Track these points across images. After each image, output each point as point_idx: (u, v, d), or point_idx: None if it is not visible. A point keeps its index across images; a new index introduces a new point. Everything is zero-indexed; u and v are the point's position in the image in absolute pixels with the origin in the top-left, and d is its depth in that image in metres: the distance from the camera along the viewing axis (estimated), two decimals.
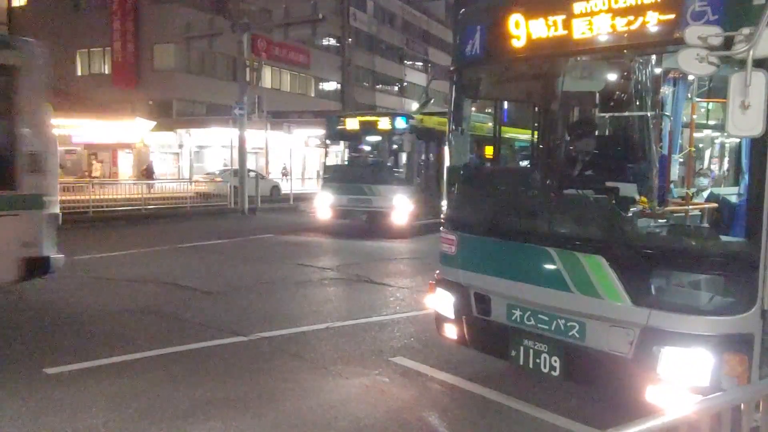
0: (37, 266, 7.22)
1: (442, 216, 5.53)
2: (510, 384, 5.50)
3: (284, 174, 36.32)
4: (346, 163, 19.05)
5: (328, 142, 18.42)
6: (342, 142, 18.85)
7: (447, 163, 5.77)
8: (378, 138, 17.40)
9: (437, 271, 5.46)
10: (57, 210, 7.55)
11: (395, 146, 16.87)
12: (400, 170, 16.71)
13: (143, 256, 13.01)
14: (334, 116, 18.76)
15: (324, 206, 17.16)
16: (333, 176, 17.65)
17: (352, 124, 17.15)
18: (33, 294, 8.78)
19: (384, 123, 16.43)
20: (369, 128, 16.89)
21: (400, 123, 16.04)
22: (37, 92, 7.35)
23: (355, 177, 16.95)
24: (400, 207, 15.93)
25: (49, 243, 7.22)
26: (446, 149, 16.55)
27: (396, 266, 12.43)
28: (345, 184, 16.89)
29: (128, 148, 37.98)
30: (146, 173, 32.62)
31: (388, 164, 17.29)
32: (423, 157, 16.94)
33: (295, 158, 36.90)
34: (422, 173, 16.80)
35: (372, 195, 16.30)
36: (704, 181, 5.90)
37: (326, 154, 18.72)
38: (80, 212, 19.81)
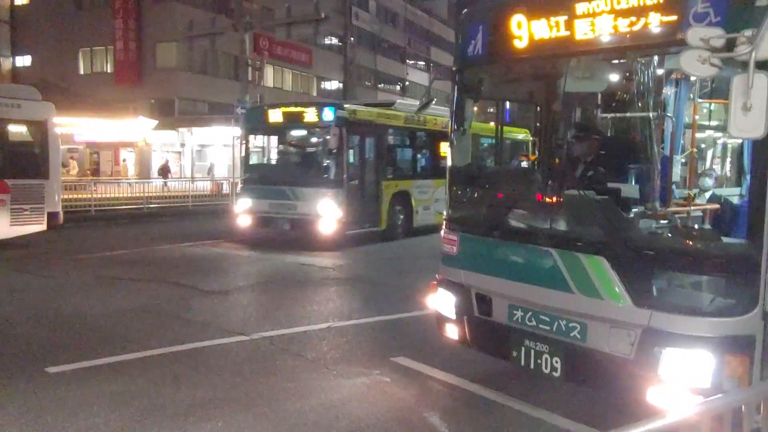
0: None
1: (445, 217, 5.51)
2: (511, 384, 5.50)
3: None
4: (268, 162, 16.98)
5: (248, 137, 15.74)
6: (265, 138, 16.57)
7: (449, 163, 5.75)
8: (303, 132, 15.25)
9: (438, 272, 5.46)
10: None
11: (323, 142, 14.10)
12: (329, 171, 14.01)
13: (145, 255, 13.03)
14: (256, 107, 17.07)
15: (243, 212, 14.75)
16: (253, 177, 15.17)
17: (274, 116, 14.88)
18: (35, 293, 8.80)
19: (309, 115, 14.14)
20: (292, 121, 14.61)
21: (328, 114, 13.78)
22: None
23: (278, 179, 14.60)
24: (328, 214, 13.59)
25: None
26: (387, 146, 15.10)
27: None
28: (266, 187, 14.54)
29: (130, 147, 37.99)
30: (162, 172, 32.70)
31: (315, 164, 14.61)
32: (357, 155, 14.78)
33: None
34: (356, 174, 14.54)
35: (296, 200, 13.94)
36: (708, 182, 5.90)
37: (245, 152, 15.84)
38: (82, 211, 19.87)
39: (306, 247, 13.90)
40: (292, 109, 14.77)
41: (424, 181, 16.47)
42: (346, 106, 14.37)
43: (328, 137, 13.63)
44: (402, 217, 15.78)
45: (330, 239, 13.94)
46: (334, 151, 13.73)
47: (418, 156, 17.42)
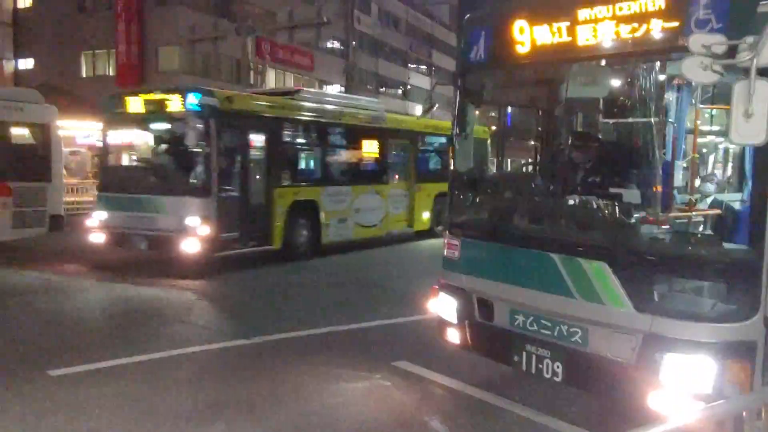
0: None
1: (447, 221, 5.51)
2: (512, 389, 5.50)
3: None
4: (128, 164, 13.76)
5: (106, 132, 12.62)
6: (124, 133, 12.97)
7: (451, 167, 5.76)
8: (165, 126, 11.80)
9: (440, 276, 5.47)
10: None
11: (189, 138, 10.67)
12: (195, 175, 10.91)
13: (145, 258, 13.02)
14: (114, 94, 13.06)
15: (96, 227, 11.69)
16: (108, 183, 12.13)
17: (133, 105, 11.73)
18: (36, 295, 8.81)
19: (172, 103, 11.02)
20: (154, 111, 11.38)
21: (191, 102, 10.75)
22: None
23: (135, 185, 11.50)
24: (193, 229, 10.51)
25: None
26: (283, 144, 12.76)
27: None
28: (120, 196, 11.57)
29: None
30: None
31: (179, 166, 11.27)
32: (236, 155, 11.57)
33: None
34: (233, 179, 11.44)
35: (155, 212, 10.96)
36: (709, 188, 5.90)
37: (103, 152, 13.05)
38: (84, 214, 19.85)
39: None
40: (153, 96, 11.52)
41: (338, 188, 13.71)
42: (217, 91, 11.57)
43: (196, 132, 10.55)
44: (306, 232, 12.81)
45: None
46: (201, 149, 10.71)
47: (331, 157, 14.22)
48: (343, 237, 13.86)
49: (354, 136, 14.56)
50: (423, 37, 68.32)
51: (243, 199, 11.61)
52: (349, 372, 6.02)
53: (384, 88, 61.72)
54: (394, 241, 15.90)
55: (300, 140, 13.66)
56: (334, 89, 53.78)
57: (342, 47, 52.84)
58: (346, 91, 52.57)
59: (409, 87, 65.14)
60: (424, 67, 69.19)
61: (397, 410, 5.22)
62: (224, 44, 26.12)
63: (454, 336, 5.28)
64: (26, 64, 44.59)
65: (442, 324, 5.38)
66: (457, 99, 5.51)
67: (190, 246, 10.57)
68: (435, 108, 22.13)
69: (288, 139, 13.10)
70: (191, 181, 10.95)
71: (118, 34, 40.09)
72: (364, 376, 5.91)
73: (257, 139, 12.14)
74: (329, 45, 51.53)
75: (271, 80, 41.99)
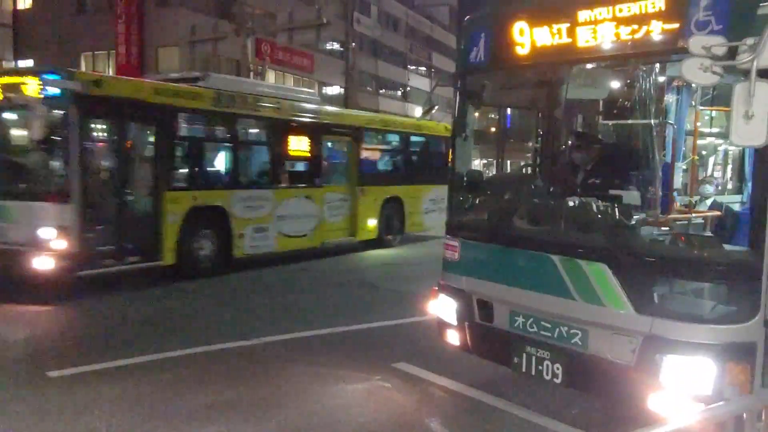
0: None
1: (447, 223, 5.50)
2: (512, 391, 5.50)
3: None
4: None
5: None
6: None
7: (450, 169, 5.77)
8: (14, 116, 9.62)
9: (440, 277, 5.46)
10: None
11: (40, 130, 8.53)
12: (51, 175, 9.08)
13: None
14: None
15: None
16: None
17: None
18: (35, 297, 8.79)
19: (26, 88, 8.77)
20: (6, 98, 9.09)
21: (50, 86, 8.68)
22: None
23: None
24: (46, 242, 8.63)
25: None
26: (179, 139, 10.58)
27: None
28: None
29: None
30: None
31: (32, 164, 9.27)
32: (107, 151, 9.75)
33: None
34: (104, 181, 9.61)
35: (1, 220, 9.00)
36: (708, 189, 5.91)
37: None
38: None
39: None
40: (5, 79, 9.46)
41: (256, 192, 11.76)
42: (80, 73, 10.17)
43: (41, 121, 8.44)
44: (211, 244, 10.88)
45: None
46: (59, 143, 8.81)
47: (246, 156, 12.18)
48: (264, 249, 11.90)
49: (277, 131, 12.36)
50: (423, 38, 68.36)
51: (120, 205, 9.60)
52: (349, 373, 6.01)
53: (384, 90, 61.75)
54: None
55: (202, 135, 11.47)
56: (334, 90, 53.87)
57: (342, 49, 52.85)
58: (346, 93, 52.66)
59: (408, 89, 65.14)
60: (424, 68, 69.22)
61: (397, 412, 5.22)
62: (224, 45, 26.11)
63: (453, 337, 5.27)
64: (26, 65, 44.58)
65: (442, 325, 5.38)
66: (457, 100, 5.51)
67: (42, 263, 8.60)
68: (435, 110, 22.00)
69: (185, 133, 10.98)
70: (45, 182, 8.99)
71: (118, 35, 40.08)
72: (364, 377, 5.91)
73: (141, 133, 10.26)
74: (329, 46, 51.57)
75: (271, 81, 42.02)
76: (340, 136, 14.26)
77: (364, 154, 14.93)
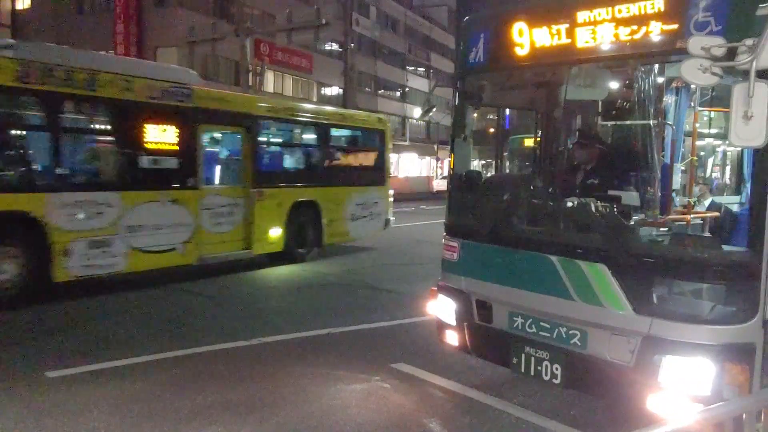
0: None
1: (446, 223, 5.50)
2: (511, 391, 5.51)
3: None
4: None
5: None
6: None
7: (450, 169, 5.77)
8: None
9: (439, 278, 5.47)
10: None
11: None
12: None
13: None
14: None
15: None
16: None
17: None
18: (34, 297, 8.78)
19: None
20: None
21: None
22: None
23: None
24: None
25: None
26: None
27: None
28: None
29: None
30: None
31: None
32: None
33: None
34: None
35: None
36: (707, 190, 5.92)
37: None
38: None
39: None
40: None
41: (89, 195, 9.11)
42: None
43: None
44: (10, 266, 8.40)
45: None
46: None
47: (72, 148, 9.43)
48: (107, 269, 9.33)
49: (127, 117, 9.72)
50: (421, 39, 68.40)
51: None
52: (347, 374, 6.01)
53: (382, 91, 61.78)
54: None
55: None
56: (333, 91, 53.89)
57: (340, 49, 52.87)
58: (344, 94, 52.60)
59: (407, 89, 65.17)
60: (423, 69, 69.25)
61: (396, 412, 5.22)
62: (223, 46, 26.11)
63: (452, 338, 5.28)
64: None
65: (441, 326, 5.39)
66: (456, 101, 5.51)
67: None
68: (434, 110, 21.92)
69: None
70: None
71: (116, 36, 40.11)
72: (363, 378, 5.91)
73: None
74: (328, 47, 51.60)
75: (270, 82, 42.05)
76: (227, 126, 11.59)
77: (264, 149, 12.42)
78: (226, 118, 11.31)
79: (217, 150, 11.90)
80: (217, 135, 11.85)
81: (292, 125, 13.28)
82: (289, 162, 13.32)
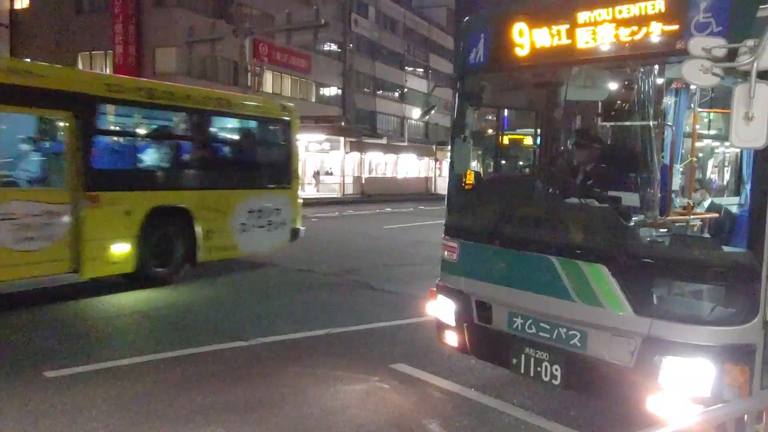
0: None
1: (445, 224, 5.50)
2: (510, 392, 5.50)
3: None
4: None
5: None
6: None
7: (449, 170, 5.76)
8: None
9: (438, 278, 5.46)
10: None
11: None
12: None
13: None
14: None
15: None
16: None
17: None
18: (32, 297, 8.77)
19: None
20: None
21: None
22: None
23: None
24: None
25: None
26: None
27: None
28: None
29: None
30: None
31: None
32: None
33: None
34: None
35: None
36: (707, 191, 5.92)
37: None
38: None
39: None
40: None
41: None
42: None
43: None
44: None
45: None
46: None
47: None
48: None
49: None
50: (420, 40, 68.45)
51: None
52: (347, 374, 6.01)
53: (381, 91, 61.80)
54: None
55: None
56: (332, 91, 53.87)
57: (339, 50, 52.88)
58: (343, 94, 52.53)
59: (406, 90, 65.21)
60: (422, 70, 69.29)
61: (396, 413, 5.21)
62: (222, 46, 26.11)
63: (452, 339, 5.27)
64: None
65: (441, 326, 5.38)
66: (456, 102, 5.51)
67: None
68: (433, 111, 21.89)
69: None
70: None
71: (115, 36, 40.09)
72: (362, 378, 5.91)
73: None
74: (327, 48, 51.60)
75: (269, 82, 42.05)
76: (43, 109, 8.66)
77: (104, 141, 9.63)
78: (40, 97, 8.32)
79: (19, 140, 8.79)
80: (28, 121, 8.78)
81: (151, 110, 10.18)
82: (145, 158, 10.29)
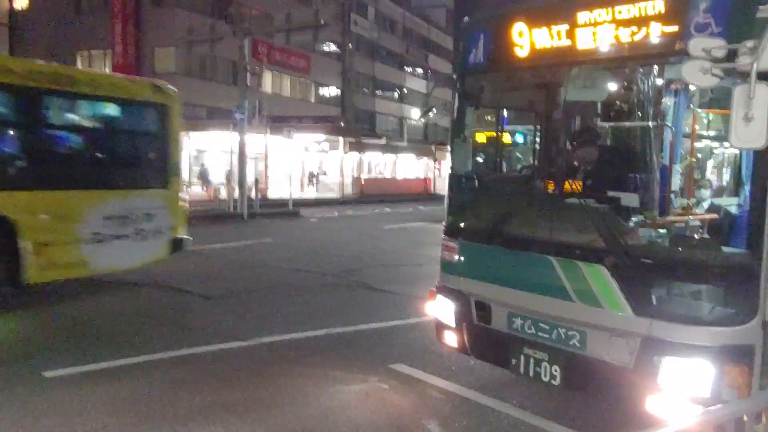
0: None
1: (445, 224, 5.50)
2: (510, 392, 5.50)
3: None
4: None
5: None
6: None
7: (449, 170, 5.76)
8: None
9: (438, 279, 5.46)
10: None
11: None
12: None
13: None
14: None
15: None
16: None
17: None
18: (31, 297, 8.76)
19: None
20: None
21: None
22: None
23: None
24: None
25: None
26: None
27: None
28: None
29: None
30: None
31: None
32: None
33: (295, 163, 36.86)
34: None
35: None
36: (704, 193, 5.92)
37: None
38: None
39: None
40: None
41: None
42: None
43: None
44: None
45: None
46: None
47: None
48: None
49: None
50: (419, 40, 68.44)
51: None
52: (346, 375, 6.01)
53: (380, 91, 61.80)
54: None
55: None
56: (331, 92, 53.86)
57: (339, 50, 52.88)
58: (342, 94, 52.51)
59: (405, 90, 65.21)
60: (421, 70, 69.29)
61: (394, 413, 5.21)
62: (221, 46, 26.12)
63: (451, 339, 5.27)
64: None
65: (440, 327, 5.38)
66: (456, 102, 5.51)
67: None
68: (433, 111, 21.82)
69: None
70: None
71: (114, 35, 40.08)
72: (361, 378, 5.90)
73: None
74: (326, 48, 51.60)
75: (268, 82, 42.05)
76: None
77: None
78: None
79: None
80: None
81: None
82: None
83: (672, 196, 5.11)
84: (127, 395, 5.39)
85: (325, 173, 42.97)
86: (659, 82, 4.84)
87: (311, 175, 41.67)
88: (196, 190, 28.72)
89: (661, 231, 4.52)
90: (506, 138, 7.28)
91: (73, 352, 6.56)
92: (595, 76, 5.19)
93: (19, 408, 5.05)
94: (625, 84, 5.12)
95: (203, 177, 33.63)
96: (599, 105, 5.98)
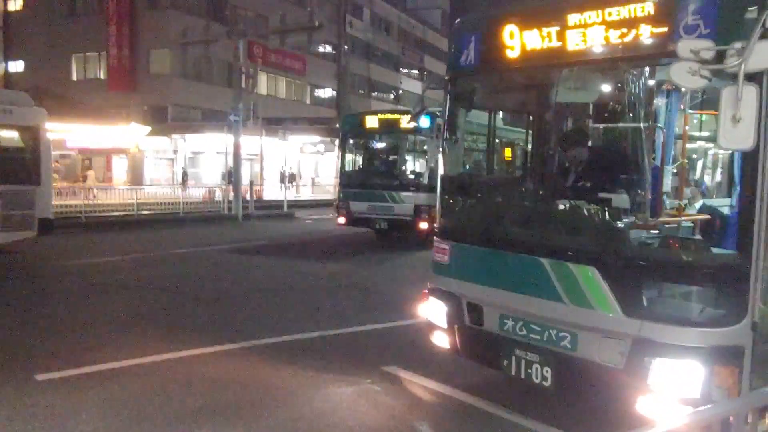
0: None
1: (437, 225, 5.51)
2: (501, 394, 5.49)
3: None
4: None
5: None
6: None
7: (441, 172, 5.76)
8: None
9: (430, 280, 5.46)
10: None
11: None
12: None
13: (136, 262, 12.97)
14: None
15: None
16: None
17: None
18: (25, 299, 8.74)
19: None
20: None
21: None
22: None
23: None
24: None
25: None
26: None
27: None
28: None
29: (123, 153, 37.86)
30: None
31: None
32: None
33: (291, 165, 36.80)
34: None
35: None
36: (693, 191, 5.93)
37: None
38: (73, 217, 19.78)
39: None
40: None
41: None
42: None
43: None
44: None
45: None
46: None
47: None
48: None
49: None
50: (415, 41, 68.49)
51: None
52: (338, 377, 5.99)
53: (376, 93, 61.82)
54: None
55: None
56: (326, 93, 53.85)
57: (334, 51, 52.89)
58: (337, 96, 52.55)
59: (401, 91, 65.25)
60: (416, 71, 69.33)
61: (387, 415, 5.20)
62: (216, 48, 26.14)
63: (443, 340, 5.27)
64: (16, 66, 44.38)
65: (432, 328, 5.38)
66: (447, 103, 5.51)
67: None
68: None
69: None
70: None
71: (109, 37, 40.03)
72: (354, 380, 5.89)
73: None
74: (321, 49, 51.61)
75: (264, 84, 42.03)
76: None
77: None
78: None
79: None
80: None
81: None
82: None
83: (664, 197, 5.11)
84: (118, 398, 5.37)
85: (294, 174, 41.56)
86: (650, 83, 4.84)
87: (282, 176, 40.49)
88: (195, 192, 28.62)
89: (653, 232, 4.52)
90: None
91: (65, 354, 6.54)
92: (586, 78, 5.20)
93: (10, 411, 5.03)
94: (616, 85, 5.12)
95: (183, 179, 33.80)
96: (590, 106, 6.00)
